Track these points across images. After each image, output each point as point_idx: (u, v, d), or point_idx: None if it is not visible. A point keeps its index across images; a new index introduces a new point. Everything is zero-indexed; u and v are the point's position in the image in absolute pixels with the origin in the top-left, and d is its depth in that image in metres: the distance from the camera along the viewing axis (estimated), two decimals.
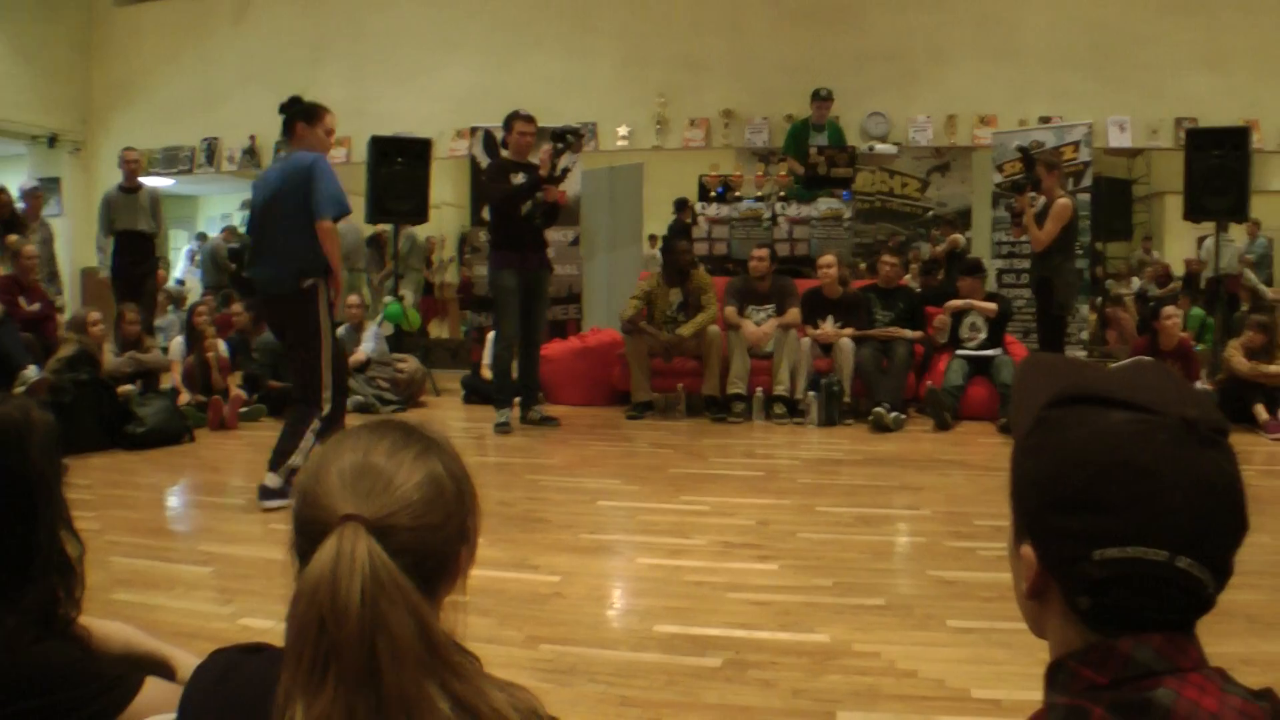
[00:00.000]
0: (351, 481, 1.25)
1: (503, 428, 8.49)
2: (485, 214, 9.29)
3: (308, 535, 1.23)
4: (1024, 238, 9.32)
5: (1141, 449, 1.06)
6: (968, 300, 9.33)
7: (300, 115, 6.05)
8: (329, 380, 5.87)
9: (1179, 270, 15.66)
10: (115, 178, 11.27)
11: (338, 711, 1.13)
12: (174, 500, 6.53)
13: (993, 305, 9.28)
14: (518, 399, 8.85)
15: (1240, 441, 1.01)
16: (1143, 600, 1.06)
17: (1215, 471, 1.06)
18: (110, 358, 8.83)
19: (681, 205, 13.27)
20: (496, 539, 4.92)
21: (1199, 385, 8.96)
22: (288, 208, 5.78)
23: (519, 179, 8.43)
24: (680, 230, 11.97)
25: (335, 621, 1.14)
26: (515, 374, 8.78)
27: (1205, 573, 1.06)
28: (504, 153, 8.76)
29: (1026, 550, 1.14)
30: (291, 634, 1.16)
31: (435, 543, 1.27)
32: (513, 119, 8.62)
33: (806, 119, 11.93)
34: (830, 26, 14.07)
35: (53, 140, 16.61)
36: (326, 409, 5.86)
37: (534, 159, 8.64)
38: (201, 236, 19.19)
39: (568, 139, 8.58)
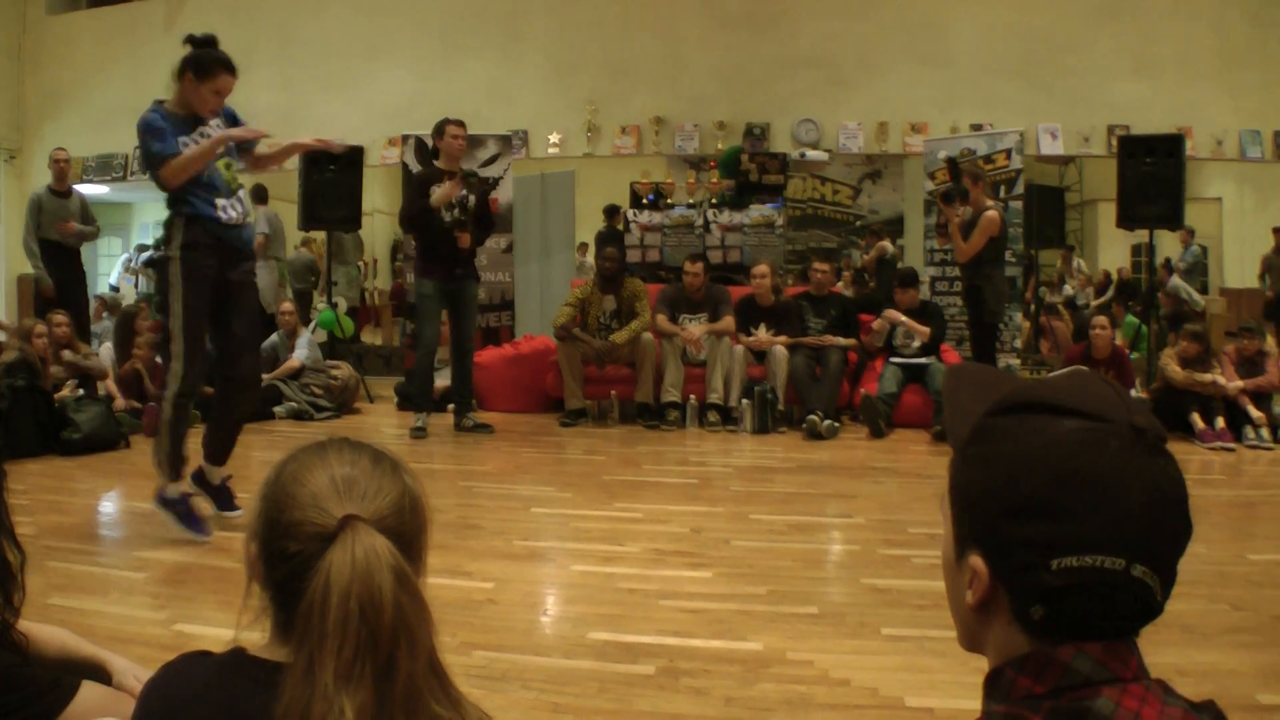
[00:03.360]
0: (344, 488, 1.31)
1: (419, 432, 8.49)
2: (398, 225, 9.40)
3: (296, 537, 1.28)
4: (950, 246, 9.39)
5: (1096, 456, 1.06)
6: (905, 319, 9.34)
7: (190, 65, 5.24)
8: (179, 351, 5.26)
9: (1112, 277, 15.88)
10: None
11: (374, 704, 1.17)
12: (109, 506, 6.45)
13: (926, 330, 9.32)
14: (450, 405, 8.84)
15: (1176, 450, 1.00)
16: (1096, 608, 1.06)
17: (1164, 479, 1.07)
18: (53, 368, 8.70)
19: (612, 212, 13.27)
20: (429, 545, 4.88)
21: (1134, 393, 9.05)
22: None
23: (437, 190, 8.39)
24: (610, 237, 11.96)
25: (374, 612, 1.19)
26: (436, 380, 8.74)
27: (1155, 580, 1.06)
28: (437, 161, 8.71)
29: (977, 560, 1.12)
30: (331, 629, 1.18)
31: (410, 553, 1.33)
32: (444, 124, 8.58)
33: (738, 148, 12.01)
34: (760, 33, 14.13)
35: None
36: (174, 385, 5.31)
37: (464, 167, 8.62)
38: (142, 247, 18.84)
39: (470, 182, 8.51)
